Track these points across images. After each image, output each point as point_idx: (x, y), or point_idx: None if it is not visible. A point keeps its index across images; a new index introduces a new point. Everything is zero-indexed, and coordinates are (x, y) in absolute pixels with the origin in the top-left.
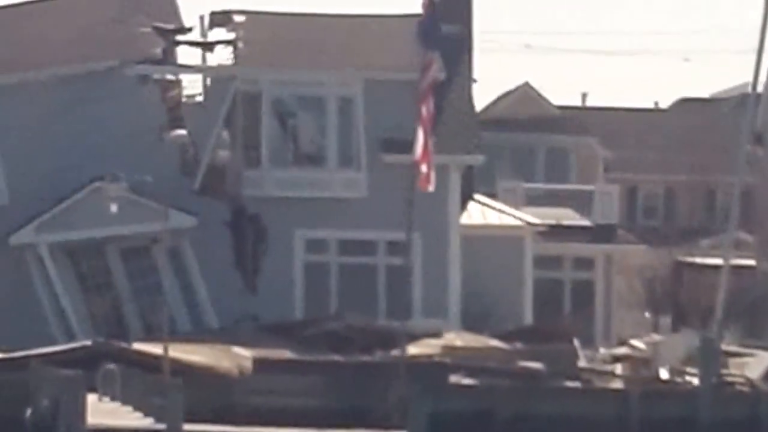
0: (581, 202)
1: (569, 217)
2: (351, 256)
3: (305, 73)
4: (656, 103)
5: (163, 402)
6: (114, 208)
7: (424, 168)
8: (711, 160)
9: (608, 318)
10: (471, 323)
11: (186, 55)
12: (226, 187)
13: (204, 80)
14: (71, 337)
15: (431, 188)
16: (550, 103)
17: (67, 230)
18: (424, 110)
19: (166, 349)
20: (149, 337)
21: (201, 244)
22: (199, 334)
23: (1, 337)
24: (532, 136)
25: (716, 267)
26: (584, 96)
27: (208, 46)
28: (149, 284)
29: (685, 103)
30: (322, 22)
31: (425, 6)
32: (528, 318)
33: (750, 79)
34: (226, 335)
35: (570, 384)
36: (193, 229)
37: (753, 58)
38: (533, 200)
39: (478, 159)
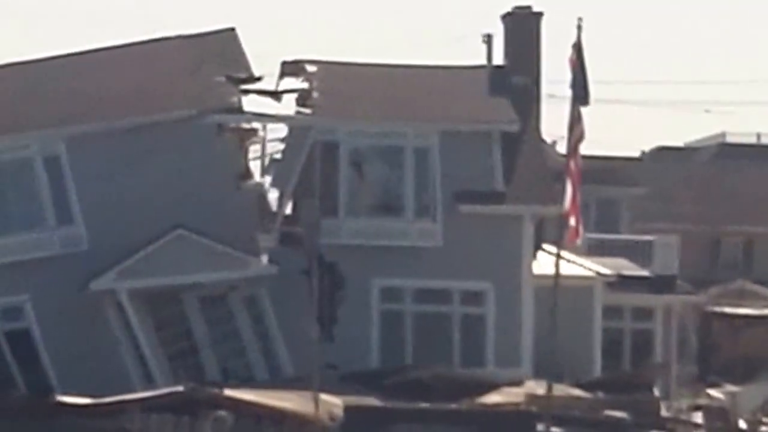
0: (635, 252)
1: (626, 267)
2: (426, 304)
3: (383, 124)
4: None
5: None
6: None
7: (572, 221)
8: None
9: (668, 368)
10: (543, 373)
11: (254, 104)
12: (303, 236)
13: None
14: (150, 383)
15: (579, 242)
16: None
17: (147, 277)
18: (572, 164)
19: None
20: (240, 384)
21: (276, 293)
22: (277, 382)
23: (80, 383)
24: (585, 187)
25: (746, 317)
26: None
27: (276, 96)
28: (226, 331)
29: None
30: (394, 73)
31: (572, 62)
32: (597, 368)
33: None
34: (305, 383)
35: None
36: (270, 278)
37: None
38: (591, 250)
39: (552, 210)
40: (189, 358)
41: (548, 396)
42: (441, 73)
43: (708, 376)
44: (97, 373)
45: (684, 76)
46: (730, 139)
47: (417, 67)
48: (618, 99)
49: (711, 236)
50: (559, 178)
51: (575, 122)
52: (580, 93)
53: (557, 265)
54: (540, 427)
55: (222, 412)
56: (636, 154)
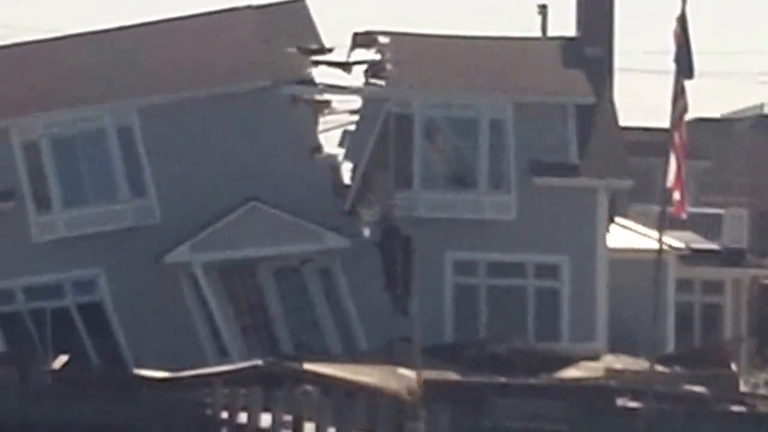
0: (702, 225)
1: (694, 240)
2: (500, 278)
3: (457, 96)
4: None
5: (416, 426)
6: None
7: (677, 195)
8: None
9: (740, 343)
10: (617, 347)
11: (323, 75)
12: (377, 209)
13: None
14: (224, 356)
15: (684, 215)
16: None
17: (222, 250)
18: (676, 137)
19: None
20: (320, 357)
21: (350, 265)
22: (352, 356)
23: (153, 356)
24: (651, 160)
25: None
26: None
27: (346, 67)
28: (300, 304)
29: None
30: (467, 44)
31: (676, 35)
32: (670, 342)
33: None
34: (380, 357)
35: (735, 408)
36: (343, 250)
37: None
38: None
39: (626, 183)
40: (262, 331)
41: (627, 371)
42: (513, 45)
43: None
44: (169, 346)
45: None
46: None
47: (489, 39)
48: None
49: (759, 208)
50: None
51: (679, 96)
52: (685, 66)
53: (661, 231)
54: (620, 401)
55: (308, 386)
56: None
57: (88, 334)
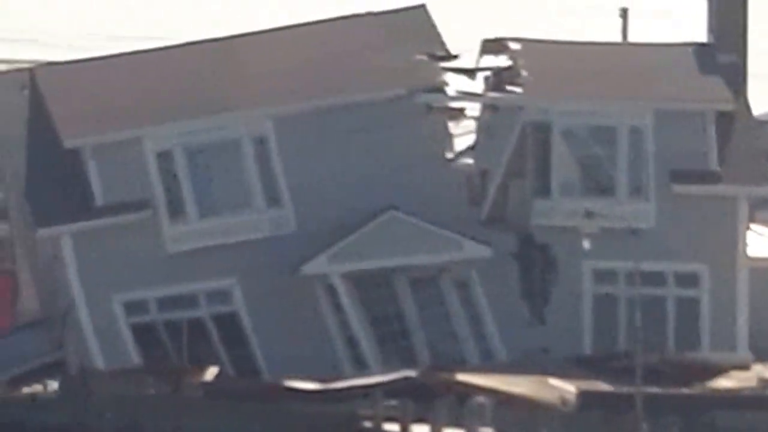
0: None
1: None
2: (639, 287)
3: (596, 104)
4: None
5: None
6: (587, 244)
7: None
8: None
9: None
10: (759, 356)
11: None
12: (514, 217)
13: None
14: (361, 366)
15: None
16: None
17: (359, 260)
18: None
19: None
20: (464, 367)
21: (487, 274)
22: (490, 366)
23: (288, 366)
24: None
25: None
26: None
27: (471, 74)
28: (437, 314)
29: None
30: (601, 51)
31: None
32: None
33: None
34: (520, 367)
35: None
36: (480, 260)
37: None
38: None
39: (766, 190)
40: (400, 341)
41: None
42: (646, 51)
43: None
44: (305, 356)
45: None
46: None
47: (617, 45)
48: None
49: None
50: None
51: None
52: None
53: None
54: None
55: (481, 398)
56: None
57: (223, 345)
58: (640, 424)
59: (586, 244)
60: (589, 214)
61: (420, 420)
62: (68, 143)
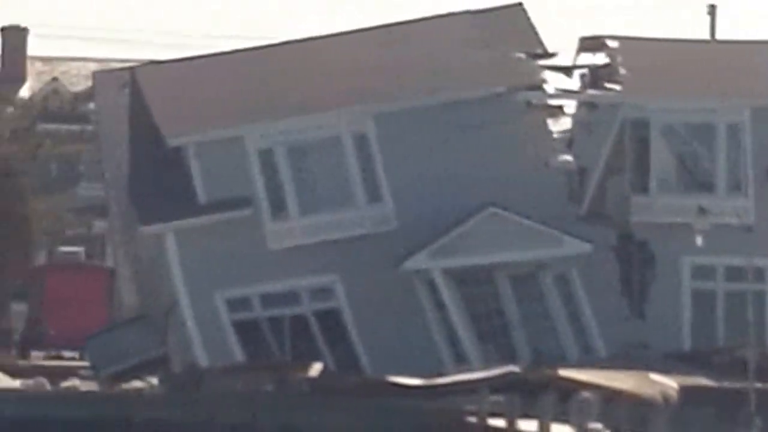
0: None
1: None
2: (738, 282)
3: (695, 100)
4: None
5: None
6: (699, 241)
7: None
8: None
9: None
10: None
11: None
12: (613, 214)
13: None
14: (461, 363)
15: None
16: None
17: (460, 256)
18: None
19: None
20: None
21: (586, 271)
22: (591, 362)
23: (389, 362)
24: None
25: None
26: None
27: (568, 71)
28: (537, 311)
29: None
30: (696, 48)
31: None
32: None
33: None
34: (620, 362)
35: None
36: (580, 256)
37: None
38: None
39: None
40: (500, 337)
41: None
42: (740, 48)
43: None
44: (406, 352)
45: None
46: None
47: (714, 42)
48: None
49: None
50: None
51: None
52: None
53: None
54: None
55: (586, 394)
56: None
57: (325, 341)
58: (753, 420)
59: (699, 241)
60: (701, 211)
61: (524, 416)
62: (171, 142)
